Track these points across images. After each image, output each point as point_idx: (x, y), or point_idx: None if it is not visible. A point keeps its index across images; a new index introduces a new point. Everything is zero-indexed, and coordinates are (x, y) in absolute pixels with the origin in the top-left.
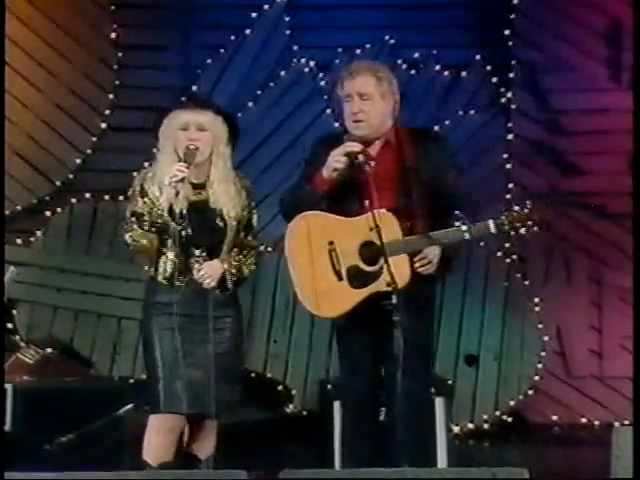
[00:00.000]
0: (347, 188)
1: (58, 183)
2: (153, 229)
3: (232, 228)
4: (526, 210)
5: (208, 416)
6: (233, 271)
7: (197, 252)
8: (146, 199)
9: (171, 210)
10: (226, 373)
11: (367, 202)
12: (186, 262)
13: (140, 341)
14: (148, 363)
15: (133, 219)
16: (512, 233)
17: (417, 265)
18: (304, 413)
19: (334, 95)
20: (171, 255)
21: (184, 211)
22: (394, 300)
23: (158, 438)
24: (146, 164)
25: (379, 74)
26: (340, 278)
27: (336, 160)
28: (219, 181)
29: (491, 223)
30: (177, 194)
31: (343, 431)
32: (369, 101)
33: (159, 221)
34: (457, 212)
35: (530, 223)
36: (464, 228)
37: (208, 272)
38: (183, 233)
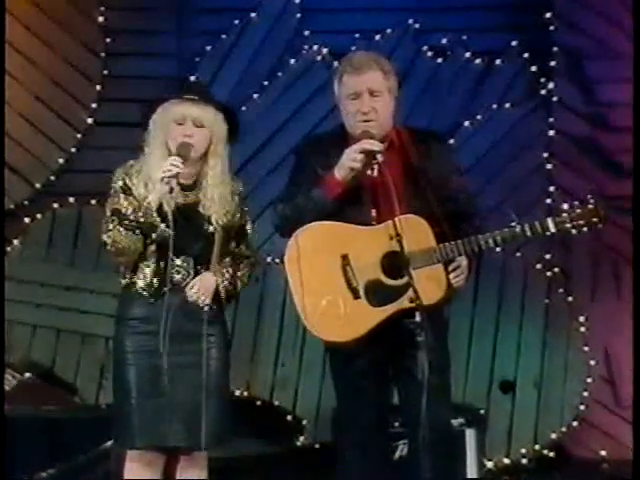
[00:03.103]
0: (359, 193)
1: (38, 186)
2: (138, 230)
3: (221, 236)
4: (590, 206)
5: (195, 448)
6: (226, 284)
7: (179, 261)
8: (130, 197)
9: (160, 209)
10: (214, 398)
11: (385, 208)
12: (167, 271)
13: (111, 362)
14: (119, 388)
15: (114, 218)
16: (574, 232)
17: (452, 276)
18: (316, 446)
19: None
20: (152, 261)
21: (170, 213)
22: (417, 318)
23: (138, 472)
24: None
25: (385, 68)
26: (357, 296)
27: (352, 159)
28: (215, 185)
29: (550, 222)
30: (171, 190)
31: (346, 472)
32: (379, 98)
33: (145, 220)
34: (511, 214)
35: (595, 220)
36: (518, 229)
37: (202, 288)
38: (170, 237)
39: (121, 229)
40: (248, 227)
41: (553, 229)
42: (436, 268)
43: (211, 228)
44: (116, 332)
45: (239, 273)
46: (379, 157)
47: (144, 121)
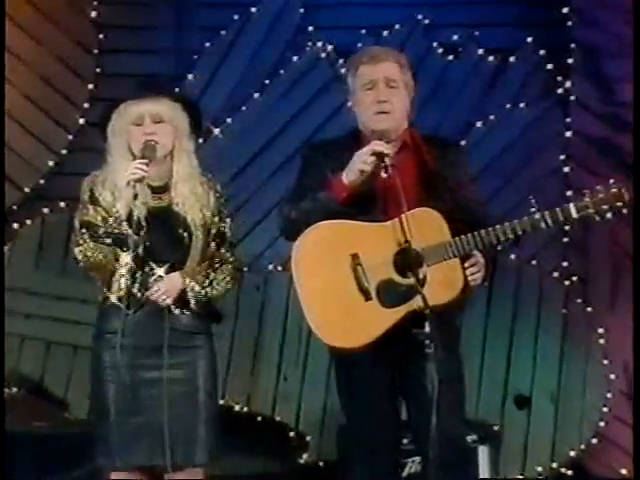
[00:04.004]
0: (368, 195)
1: (27, 190)
2: (108, 240)
3: (198, 239)
4: (613, 190)
5: (184, 465)
6: (197, 288)
7: (159, 270)
8: (99, 208)
9: (130, 217)
10: (202, 412)
11: (395, 211)
12: (144, 281)
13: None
14: (97, 405)
15: (83, 230)
16: (597, 218)
17: (469, 272)
18: (320, 463)
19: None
20: (127, 272)
21: (142, 219)
22: (427, 328)
23: None
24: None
25: (402, 61)
26: (368, 297)
27: (363, 161)
28: (183, 181)
29: (572, 207)
30: (135, 196)
31: None
32: (395, 89)
33: (115, 231)
34: (532, 200)
35: (619, 204)
36: (538, 217)
37: (163, 287)
38: (142, 244)
39: (91, 243)
40: (227, 229)
41: (575, 215)
42: (452, 263)
43: (187, 231)
44: (93, 346)
45: (217, 277)
46: (387, 160)
47: (102, 131)
